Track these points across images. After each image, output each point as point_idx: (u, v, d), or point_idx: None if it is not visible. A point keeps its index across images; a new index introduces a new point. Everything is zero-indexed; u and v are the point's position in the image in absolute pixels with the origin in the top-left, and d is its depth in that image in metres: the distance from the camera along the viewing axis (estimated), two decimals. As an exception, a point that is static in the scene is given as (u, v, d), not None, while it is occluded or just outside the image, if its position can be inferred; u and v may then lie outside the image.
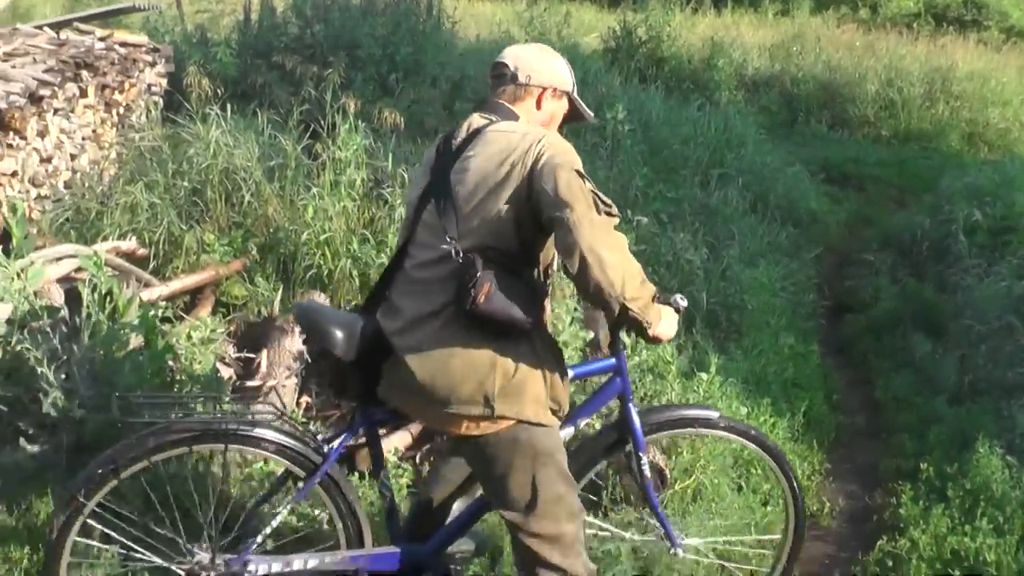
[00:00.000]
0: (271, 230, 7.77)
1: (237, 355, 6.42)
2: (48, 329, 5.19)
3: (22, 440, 4.74)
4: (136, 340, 5.05)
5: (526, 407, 3.98)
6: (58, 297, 5.75)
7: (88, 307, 5.28)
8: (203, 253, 7.54)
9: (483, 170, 3.95)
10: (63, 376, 4.89)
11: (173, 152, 8.54)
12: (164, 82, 11.01)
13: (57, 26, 11.02)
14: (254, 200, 7.97)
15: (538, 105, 4.29)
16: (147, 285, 6.85)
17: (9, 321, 5.15)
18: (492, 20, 21.20)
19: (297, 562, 4.19)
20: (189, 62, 11.01)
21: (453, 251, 3.88)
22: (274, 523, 4.21)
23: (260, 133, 8.84)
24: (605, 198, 3.89)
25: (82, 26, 11.23)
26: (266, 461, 4.78)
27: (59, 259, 6.23)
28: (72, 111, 8.81)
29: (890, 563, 5.62)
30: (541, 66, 4.29)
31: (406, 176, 8.28)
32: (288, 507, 4.28)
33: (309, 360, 6.41)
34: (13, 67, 8.37)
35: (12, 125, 7.46)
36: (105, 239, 7.36)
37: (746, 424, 5.18)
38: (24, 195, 7.62)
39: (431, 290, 3.99)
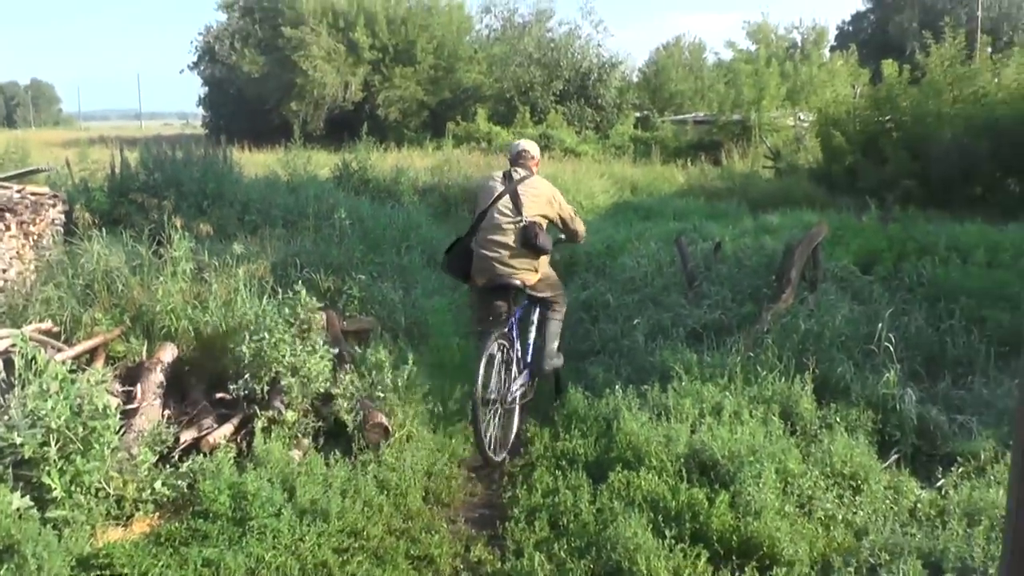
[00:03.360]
0: (137, 307, 7.44)
1: (121, 389, 6.16)
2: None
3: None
4: (54, 386, 4.77)
5: (547, 270, 6.48)
6: (-1, 365, 5.42)
7: (19, 369, 5.02)
8: (95, 326, 7.18)
9: (533, 194, 6.24)
10: (6, 417, 4.61)
11: (71, 262, 8.13)
12: (62, 217, 10.43)
13: (-15, 184, 10.39)
14: (125, 288, 7.65)
15: (536, 166, 6.53)
16: (59, 350, 6.47)
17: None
18: (263, 163, 20.82)
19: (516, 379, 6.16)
20: (77, 202, 10.63)
21: (525, 221, 6.10)
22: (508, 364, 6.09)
23: (125, 245, 8.53)
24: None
25: (4, 183, 10.55)
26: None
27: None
28: (1, 241, 8.33)
29: (523, 464, 5.76)
30: (536, 152, 6.56)
31: (216, 263, 8.12)
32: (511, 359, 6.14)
33: (165, 385, 6.25)
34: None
35: (-42, 255, 7.10)
36: (30, 323, 6.95)
37: None
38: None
39: (507, 235, 6.14)
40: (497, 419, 5.90)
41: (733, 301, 8.05)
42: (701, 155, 26.99)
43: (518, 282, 6.18)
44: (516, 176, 6.30)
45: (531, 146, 6.51)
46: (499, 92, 38.30)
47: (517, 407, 6.24)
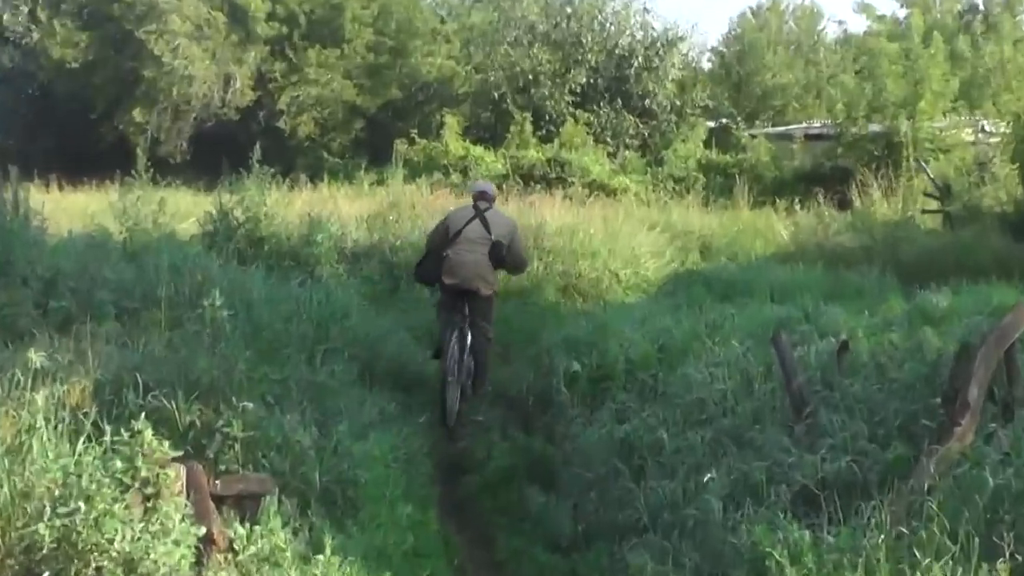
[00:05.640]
0: None
1: None
2: None
3: None
4: None
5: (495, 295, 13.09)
6: None
7: None
8: None
9: (498, 222, 12.67)
10: None
11: None
12: None
13: None
14: None
15: (494, 201, 13.39)
16: None
17: None
18: (84, 212, 20.89)
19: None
20: None
21: (494, 240, 12.22)
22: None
23: None
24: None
25: None
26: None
27: None
28: None
29: None
30: (494, 191, 14.13)
31: (-3, 383, 8.11)
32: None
33: None
34: None
35: None
36: None
37: None
38: None
39: (477, 250, 12.18)
40: (456, 394, 11.72)
41: (871, 440, 8.05)
42: (817, 192, 27.13)
43: (477, 288, 12.02)
44: (482, 207, 12.50)
45: (489, 187, 13.73)
46: (481, 89, 38.62)
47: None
